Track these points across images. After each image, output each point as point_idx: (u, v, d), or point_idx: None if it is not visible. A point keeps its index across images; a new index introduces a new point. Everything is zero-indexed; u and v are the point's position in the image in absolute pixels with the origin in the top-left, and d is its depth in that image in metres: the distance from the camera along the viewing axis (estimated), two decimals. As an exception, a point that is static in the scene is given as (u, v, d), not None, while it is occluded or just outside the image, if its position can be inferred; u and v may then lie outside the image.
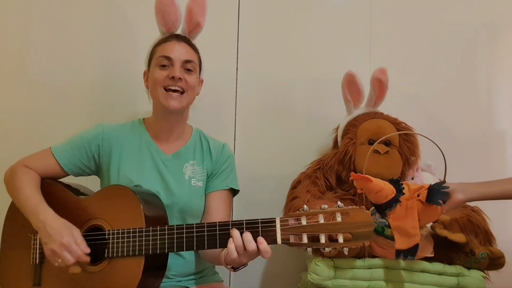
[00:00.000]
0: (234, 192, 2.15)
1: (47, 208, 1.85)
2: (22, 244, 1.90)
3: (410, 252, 1.82)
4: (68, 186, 2.02)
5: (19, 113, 2.63)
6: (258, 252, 1.60)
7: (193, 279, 2.07)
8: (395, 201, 1.82)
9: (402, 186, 1.86)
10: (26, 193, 1.90)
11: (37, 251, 1.89)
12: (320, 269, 2.09)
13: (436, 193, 1.82)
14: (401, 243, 1.82)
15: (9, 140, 2.60)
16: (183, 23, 2.17)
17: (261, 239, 1.59)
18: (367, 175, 1.82)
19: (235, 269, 1.75)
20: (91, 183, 2.21)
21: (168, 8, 2.12)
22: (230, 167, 2.15)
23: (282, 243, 1.57)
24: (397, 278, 2.10)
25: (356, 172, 2.36)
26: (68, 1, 2.71)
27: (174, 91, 1.99)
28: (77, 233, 1.78)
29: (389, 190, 1.84)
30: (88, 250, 1.77)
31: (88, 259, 1.76)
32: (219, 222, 1.67)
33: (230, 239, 1.62)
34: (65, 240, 1.73)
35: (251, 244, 1.59)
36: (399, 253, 1.82)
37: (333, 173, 2.42)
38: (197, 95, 2.13)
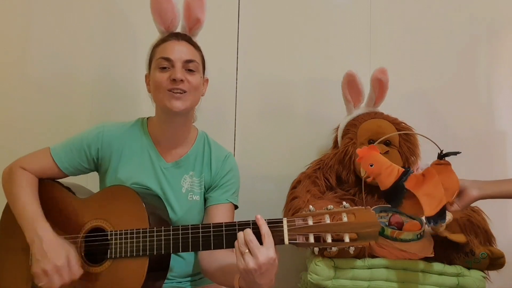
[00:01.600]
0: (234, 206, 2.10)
1: (45, 223, 1.81)
2: (20, 245, 1.86)
3: (440, 216, 1.76)
4: (68, 187, 2.00)
5: (19, 113, 2.63)
6: (263, 245, 1.57)
7: (192, 280, 2.06)
8: (406, 171, 1.82)
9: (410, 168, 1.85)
10: (23, 203, 1.86)
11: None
12: (320, 269, 2.09)
13: (446, 153, 1.81)
14: (428, 209, 1.76)
15: (9, 140, 2.61)
16: (182, 21, 2.08)
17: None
18: (373, 145, 1.79)
19: None
20: (91, 183, 2.20)
21: (165, 6, 2.04)
22: (232, 180, 2.08)
23: (289, 243, 1.57)
24: (397, 278, 2.10)
25: (356, 173, 2.37)
26: (68, 1, 2.70)
27: (177, 93, 1.90)
28: (72, 256, 1.75)
29: (398, 167, 1.83)
30: (79, 273, 1.75)
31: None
32: (225, 223, 1.66)
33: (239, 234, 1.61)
34: (60, 263, 1.71)
35: (250, 236, 1.57)
36: (429, 220, 1.76)
37: (333, 173, 2.42)
38: (202, 95, 2.06)
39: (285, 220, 1.58)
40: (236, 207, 2.09)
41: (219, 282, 1.93)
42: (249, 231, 1.58)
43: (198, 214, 2.04)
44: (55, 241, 1.76)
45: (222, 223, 1.67)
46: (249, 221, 1.62)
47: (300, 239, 1.55)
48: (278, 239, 1.57)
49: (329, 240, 1.52)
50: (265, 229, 1.58)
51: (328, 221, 1.53)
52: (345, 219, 1.52)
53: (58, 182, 2.03)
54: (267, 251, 1.55)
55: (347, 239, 1.51)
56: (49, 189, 1.97)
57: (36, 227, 1.78)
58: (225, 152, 2.13)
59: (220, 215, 2.00)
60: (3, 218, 1.99)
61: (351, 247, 1.53)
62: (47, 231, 1.78)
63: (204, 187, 2.05)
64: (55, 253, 1.72)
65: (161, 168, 2.01)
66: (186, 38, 2.03)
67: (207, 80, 2.10)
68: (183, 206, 1.99)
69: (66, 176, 2.03)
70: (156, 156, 2.02)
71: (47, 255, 1.72)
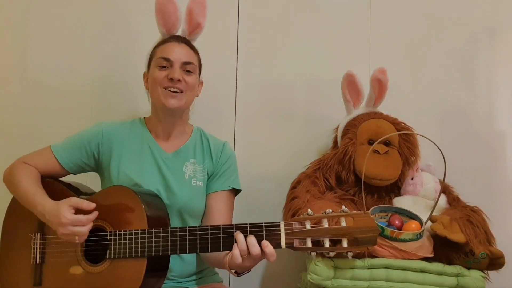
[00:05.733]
0: (236, 191, 2.15)
1: (43, 197, 1.85)
2: (22, 244, 1.89)
3: None
4: (68, 185, 2.03)
5: (19, 113, 2.63)
6: (263, 255, 1.60)
7: (193, 280, 2.07)
8: None
9: None
10: (24, 186, 1.90)
11: (38, 250, 1.89)
12: (319, 269, 2.08)
13: None
14: None
15: (9, 139, 2.61)
16: (183, 24, 2.17)
17: (266, 243, 1.59)
18: None
19: (238, 274, 1.76)
20: (91, 182, 2.22)
21: (168, 9, 2.11)
22: (231, 167, 2.14)
23: (286, 247, 1.58)
24: (397, 278, 2.10)
25: (356, 173, 2.37)
26: (68, 1, 2.70)
27: (173, 91, 1.98)
28: (70, 204, 1.77)
29: None
30: (92, 205, 1.78)
31: (95, 214, 1.78)
32: (222, 225, 1.67)
33: (235, 244, 1.63)
34: (64, 219, 1.72)
35: (255, 248, 1.59)
36: None
37: (333, 173, 2.42)
38: (197, 96, 2.14)
39: (282, 224, 1.59)
40: (239, 190, 2.15)
41: (212, 264, 2.06)
42: (254, 242, 1.60)
43: (202, 199, 2.08)
44: (51, 206, 1.79)
45: (219, 225, 1.68)
46: (246, 224, 1.63)
47: (297, 243, 1.55)
48: (275, 243, 1.59)
49: (327, 244, 1.51)
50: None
51: (326, 225, 1.53)
52: (343, 223, 1.52)
53: (59, 180, 2.06)
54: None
55: (345, 244, 1.51)
56: (50, 188, 1.97)
57: (36, 205, 1.83)
58: (222, 141, 2.21)
59: (221, 202, 2.09)
60: (7, 218, 2.01)
61: (349, 253, 1.53)
62: (46, 202, 1.82)
63: (207, 174, 2.11)
64: (55, 216, 1.75)
65: (162, 158, 2.06)
66: (186, 41, 2.12)
67: (202, 83, 2.17)
68: (187, 191, 2.03)
69: (67, 173, 2.06)
70: (156, 148, 2.08)
71: (53, 223, 1.77)
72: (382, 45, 2.82)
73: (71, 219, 1.73)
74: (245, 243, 1.61)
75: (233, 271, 1.75)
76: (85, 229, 1.74)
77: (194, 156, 2.11)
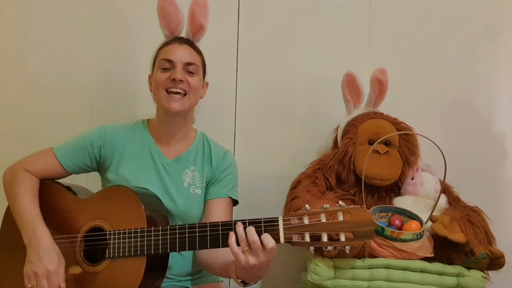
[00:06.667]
0: (233, 201, 2.13)
1: (44, 226, 1.84)
2: (20, 245, 1.87)
3: None
4: (68, 187, 2.01)
5: (20, 114, 2.64)
6: (262, 245, 1.58)
7: (192, 279, 2.07)
8: None
9: None
10: (24, 204, 1.89)
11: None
12: (320, 269, 2.08)
13: None
14: None
15: (9, 140, 2.61)
16: (186, 26, 2.17)
17: (264, 234, 1.59)
18: None
19: (245, 284, 1.74)
20: (91, 184, 2.22)
21: (170, 12, 2.11)
22: (230, 176, 2.12)
23: (284, 242, 1.58)
24: (397, 278, 2.10)
25: (356, 173, 2.37)
26: (68, 1, 2.71)
27: (176, 93, 1.98)
28: (62, 265, 1.79)
29: None
30: (64, 285, 1.77)
31: None
32: (221, 222, 1.67)
33: (231, 233, 1.62)
34: (52, 269, 1.74)
35: (253, 237, 1.58)
36: None
37: (333, 173, 2.42)
38: (201, 98, 2.13)
39: (280, 219, 1.59)
40: (236, 202, 2.14)
41: (217, 273, 2.01)
42: (252, 231, 1.60)
43: (199, 207, 2.07)
44: (51, 246, 1.80)
45: (218, 222, 1.68)
46: (245, 220, 1.63)
47: (296, 238, 1.56)
48: (274, 238, 1.58)
49: (324, 239, 1.52)
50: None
51: (324, 220, 1.54)
52: (340, 218, 1.53)
53: (58, 182, 2.05)
54: (268, 255, 1.59)
55: (343, 238, 1.51)
56: (50, 189, 1.99)
57: (35, 229, 1.82)
58: (224, 149, 2.19)
59: (219, 209, 2.06)
60: (5, 219, 2.01)
61: (346, 247, 1.53)
62: (46, 235, 1.81)
63: (206, 181, 2.10)
64: (49, 258, 1.76)
65: (162, 164, 2.06)
66: (189, 42, 2.11)
67: (207, 84, 2.17)
68: (185, 199, 2.03)
69: (68, 174, 2.06)
70: (157, 153, 2.07)
71: (41, 259, 1.75)
72: (382, 45, 2.81)
73: (53, 275, 1.75)
74: (244, 233, 1.60)
75: (239, 280, 1.74)
76: None
77: (194, 163, 2.10)
